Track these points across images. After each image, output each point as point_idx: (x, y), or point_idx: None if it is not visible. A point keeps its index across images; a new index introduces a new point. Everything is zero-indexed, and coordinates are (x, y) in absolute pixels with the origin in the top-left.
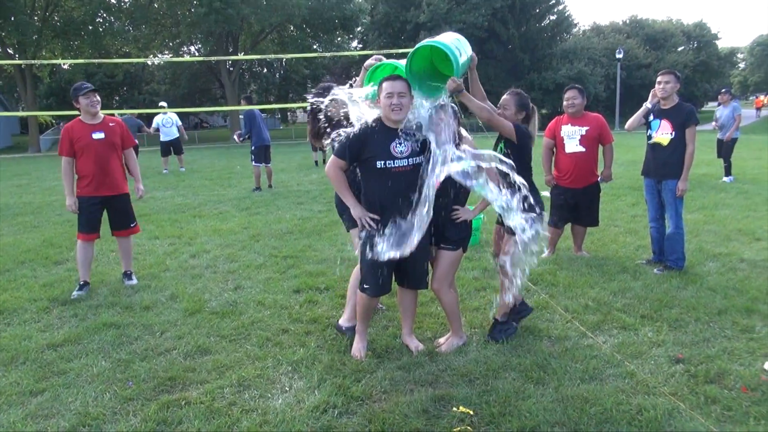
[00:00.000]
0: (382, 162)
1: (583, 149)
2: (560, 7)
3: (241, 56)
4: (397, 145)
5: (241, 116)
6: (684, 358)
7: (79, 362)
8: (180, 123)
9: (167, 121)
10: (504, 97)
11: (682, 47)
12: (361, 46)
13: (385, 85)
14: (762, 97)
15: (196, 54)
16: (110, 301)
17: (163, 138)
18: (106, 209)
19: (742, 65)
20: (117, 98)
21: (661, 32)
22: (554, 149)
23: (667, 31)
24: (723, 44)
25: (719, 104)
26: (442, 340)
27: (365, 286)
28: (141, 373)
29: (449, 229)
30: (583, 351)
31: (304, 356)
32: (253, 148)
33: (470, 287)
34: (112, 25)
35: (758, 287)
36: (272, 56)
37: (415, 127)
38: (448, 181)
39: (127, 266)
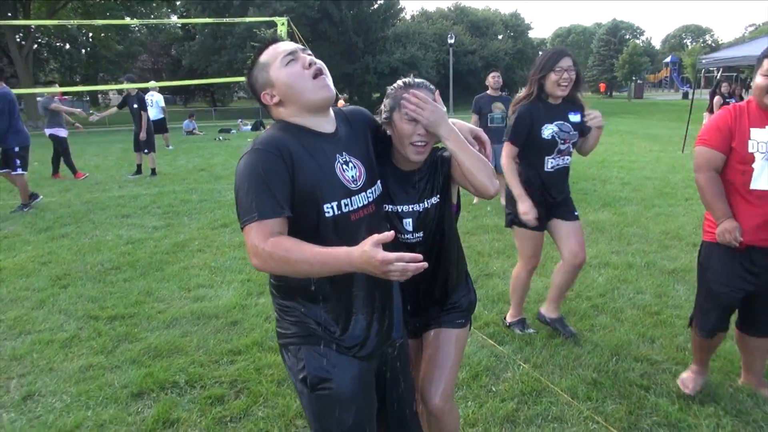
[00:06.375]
0: None
1: None
2: None
3: (33, 21)
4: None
5: (39, 99)
6: None
7: None
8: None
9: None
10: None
11: (502, 35)
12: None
13: None
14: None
15: None
16: None
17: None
18: None
19: None
20: None
21: (483, 20)
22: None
23: (488, 20)
24: (534, 34)
25: None
26: None
27: None
28: None
29: (454, 292)
30: None
31: None
32: (17, 149)
33: None
34: None
35: None
36: (74, 22)
37: None
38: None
39: None
